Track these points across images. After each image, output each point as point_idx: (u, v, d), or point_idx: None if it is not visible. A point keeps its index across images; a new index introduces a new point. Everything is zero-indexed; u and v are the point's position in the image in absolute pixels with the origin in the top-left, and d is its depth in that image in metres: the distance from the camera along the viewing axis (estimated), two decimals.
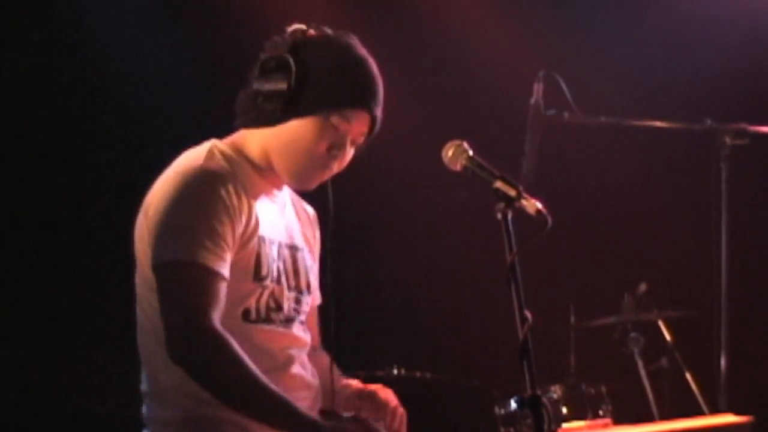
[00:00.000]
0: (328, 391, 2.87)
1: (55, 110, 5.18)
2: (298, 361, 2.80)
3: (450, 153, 2.64)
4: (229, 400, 2.63)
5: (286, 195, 2.90)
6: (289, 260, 2.82)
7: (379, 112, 2.75)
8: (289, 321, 2.80)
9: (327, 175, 2.79)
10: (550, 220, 2.45)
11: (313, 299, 2.91)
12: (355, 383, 2.96)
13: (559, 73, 4.18)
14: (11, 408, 4.96)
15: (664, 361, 5.23)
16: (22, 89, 5.09)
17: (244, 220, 2.68)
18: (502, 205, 2.51)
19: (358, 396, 2.91)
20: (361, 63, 2.74)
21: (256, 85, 2.71)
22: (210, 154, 2.73)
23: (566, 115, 4.17)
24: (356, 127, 2.74)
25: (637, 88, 5.57)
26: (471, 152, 2.63)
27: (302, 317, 2.84)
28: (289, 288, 2.80)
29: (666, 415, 4.92)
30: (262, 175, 2.79)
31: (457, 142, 2.65)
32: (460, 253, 5.87)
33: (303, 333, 2.85)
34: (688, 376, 5.08)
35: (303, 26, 2.76)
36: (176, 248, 2.60)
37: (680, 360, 5.16)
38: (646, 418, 4.92)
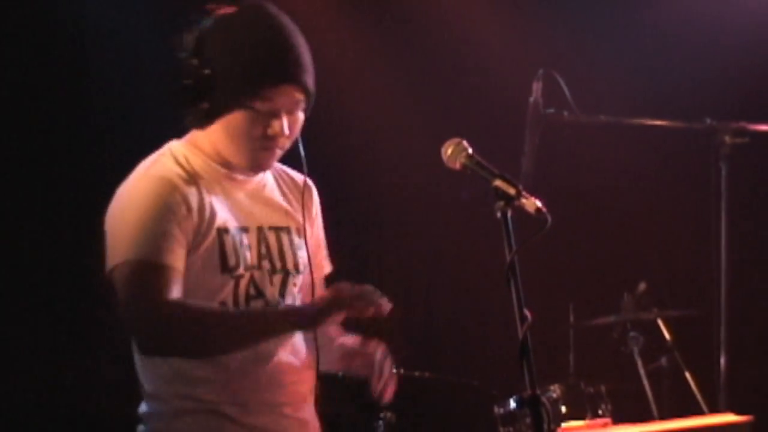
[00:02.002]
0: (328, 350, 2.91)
1: (53, 110, 5.16)
2: (285, 346, 2.80)
3: (449, 151, 2.62)
4: (219, 350, 2.68)
5: (267, 176, 2.89)
6: (274, 242, 2.83)
7: (303, 75, 2.71)
8: (272, 306, 2.80)
9: (278, 152, 2.79)
10: (549, 218, 2.44)
11: (307, 275, 2.88)
12: (351, 341, 2.96)
13: (558, 71, 4.17)
14: (11, 408, 4.95)
15: (663, 361, 5.22)
16: (21, 89, 5.07)
17: (195, 216, 2.69)
18: (501, 203, 2.50)
19: (349, 354, 2.94)
20: (266, 37, 2.69)
21: (177, 91, 2.72)
22: (158, 158, 2.77)
23: (566, 113, 4.16)
24: (284, 101, 2.71)
25: (636, 87, 5.56)
26: (470, 151, 2.62)
27: (289, 299, 2.84)
28: (274, 270, 2.81)
29: (665, 415, 4.91)
30: (223, 165, 2.79)
31: (456, 140, 2.63)
32: (460, 251, 5.86)
33: None
34: (687, 375, 5.08)
35: (209, 8, 2.73)
36: (124, 251, 2.65)
37: (680, 359, 5.15)
38: (645, 417, 4.91)
